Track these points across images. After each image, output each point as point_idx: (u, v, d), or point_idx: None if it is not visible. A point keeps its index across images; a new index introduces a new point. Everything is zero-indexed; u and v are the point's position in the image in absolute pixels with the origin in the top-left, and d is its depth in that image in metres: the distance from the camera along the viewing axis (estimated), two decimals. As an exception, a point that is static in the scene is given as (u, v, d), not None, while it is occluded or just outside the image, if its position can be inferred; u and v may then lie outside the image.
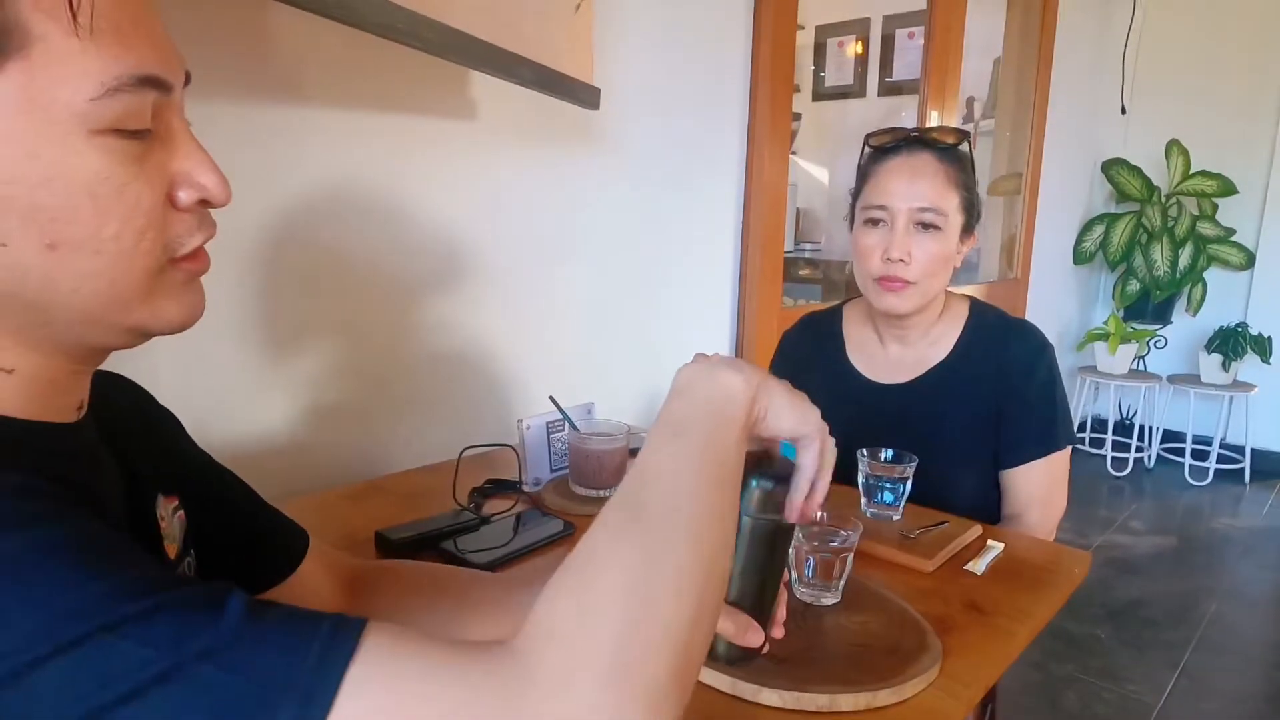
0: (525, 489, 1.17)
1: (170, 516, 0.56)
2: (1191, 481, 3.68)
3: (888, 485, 1.09)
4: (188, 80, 0.48)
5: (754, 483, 0.56)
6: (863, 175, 1.22)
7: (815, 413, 0.57)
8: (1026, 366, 1.19)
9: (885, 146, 1.19)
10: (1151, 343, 3.87)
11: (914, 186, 1.15)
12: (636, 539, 0.41)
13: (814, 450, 0.57)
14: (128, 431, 0.56)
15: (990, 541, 1.06)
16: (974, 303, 1.27)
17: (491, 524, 1.04)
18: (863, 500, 1.12)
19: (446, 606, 0.70)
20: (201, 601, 0.36)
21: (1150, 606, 2.56)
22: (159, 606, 0.35)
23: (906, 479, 1.09)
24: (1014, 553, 1.04)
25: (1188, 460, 3.68)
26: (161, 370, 1.07)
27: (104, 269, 0.43)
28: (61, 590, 0.34)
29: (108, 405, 0.55)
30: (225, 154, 0.50)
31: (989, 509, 1.24)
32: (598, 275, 1.69)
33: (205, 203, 0.48)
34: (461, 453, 1.07)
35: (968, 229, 1.19)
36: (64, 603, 0.34)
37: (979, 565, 0.99)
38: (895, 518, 1.10)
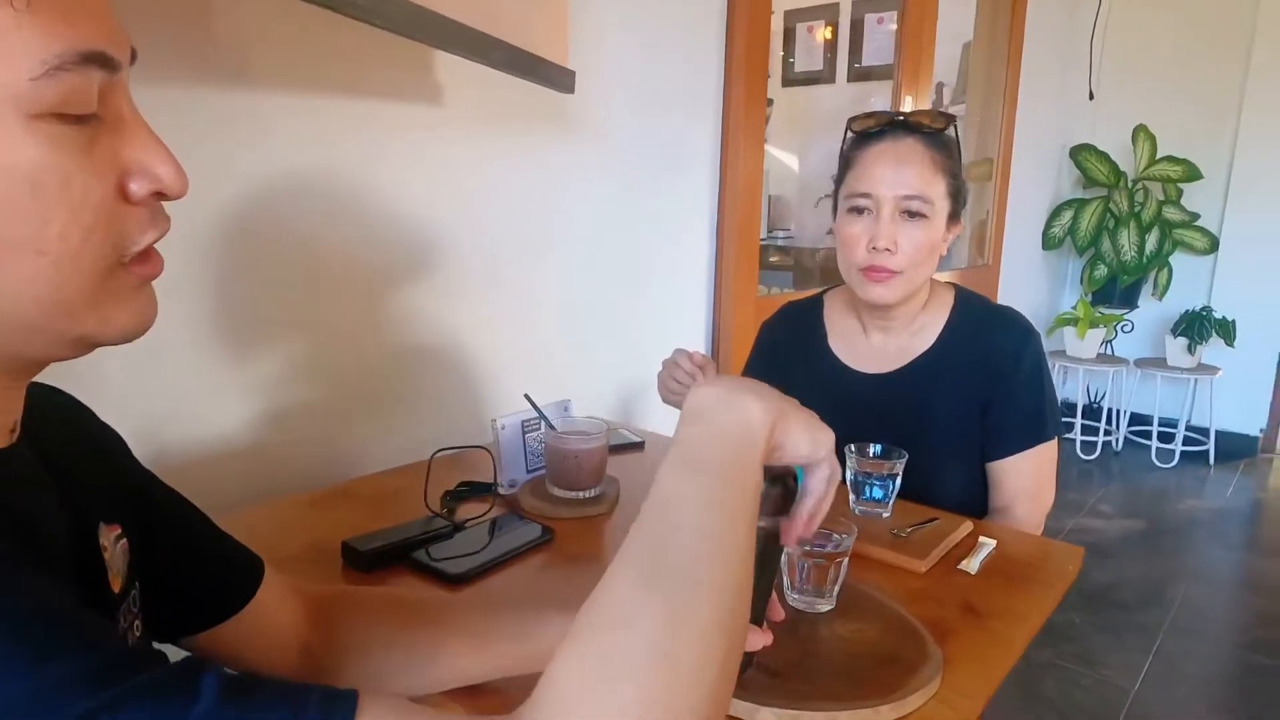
0: (501, 491, 1.12)
1: (113, 546, 0.50)
2: (1158, 464, 3.73)
3: (877, 482, 1.06)
4: (133, 59, 0.43)
5: None
6: (845, 162, 1.18)
7: (829, 436, 0.55)
8: (1013, 355, 1.17)
9: (869, 131, 1.16)
10: (1119, 327, 3.91)
11: (899, 173, 1.11)
12: (659, 596, 0.39)
13: (823, 475, 0.55)
14: (67, 453, 0.51)
15: (982, 539, 1.03)
16: (959, 290, 1.24)
17: (465, 530, 0.99)
18: (851, 497, 1.09)
19: (423, 639, 0.65)
20: (172, 684, 0.32)
21: (1122, 590, 2.58)
22: (125, 696, 0.31)
23: (896, 475, 1.06)
24: (1006, 549, 1.02)
25: (1154, 443, 3.73)
26: (110, 372, 1.01)
27: (47, 272, 0.38)
28: (10, 680, 0.30)
29: (45, 423, 0.49)
30: (175, 141, 0.45)
31: (976, 503, 1.21)
32: (573, 267, 1.64)
33: (160, 195, 0.42)
34: (433, 455, 1.02)
35: (954, 216, 1.16)
36: (16, 693, 0.29)
37: (972, 564, 0.96)
38: (884, 515, 1.07)
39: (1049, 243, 3.93)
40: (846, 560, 0.82)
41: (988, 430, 1.17)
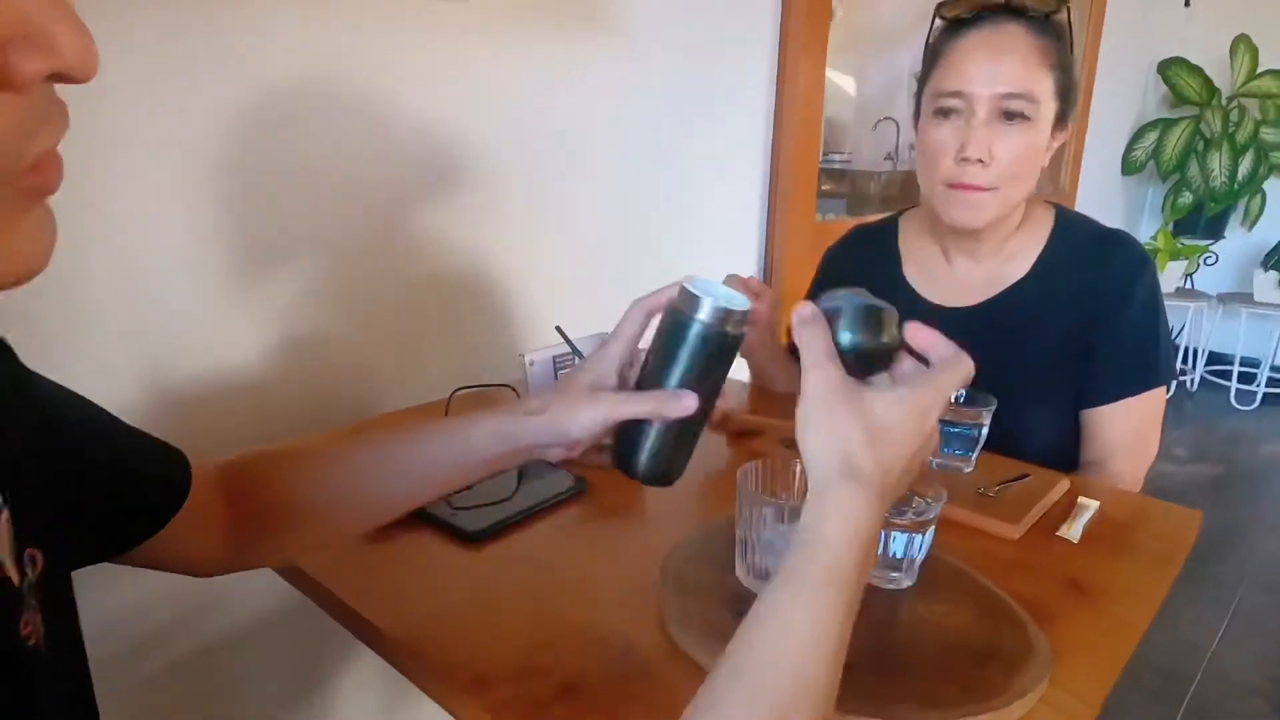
0: (530, 434, 1.01)
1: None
2: (1237, 406, 3.50)
3: (960, 432, 0.92)
4: None
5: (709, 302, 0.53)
6: (932, 55, 1.01)
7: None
8: (1123, 285, 1.00)
9: (962, 18, 0.97)
10: (1202, 259, 3.63)
11: (998, 67, 0.93)
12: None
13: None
14: None
15: (1082, 499, 0.89)
16: (1059, 210, 1.07)
17: (494, 479, 0.88)
18: (927, 448, 0.95)
19: (345, 478, 0.62)
20: None
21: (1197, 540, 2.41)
22: None
23: (983, 425, 0.92)
24: (1110, 512, 0.87)
25: (1234, 384, 3.50)
26: (104, 304, 0.91)
27: None
28: None
29: None
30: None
31: (1065, 456, 1.06)
32: (612, 189, 1.49)
33: (58, 76, 0.29)
34: (453, 394, 0.91)
35: (1061, 120, 0.98)
36: None
37: (1073, 530, 0.82)
38: (967, 470, 0.93)
39: (1130, 167, 3.63)
40: (933, 530, 0.68)
41: (1088, 372, 1.02)
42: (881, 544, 0.68)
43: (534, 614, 0.67)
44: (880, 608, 0.66)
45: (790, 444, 0.99)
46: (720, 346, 0.54)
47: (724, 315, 0.53)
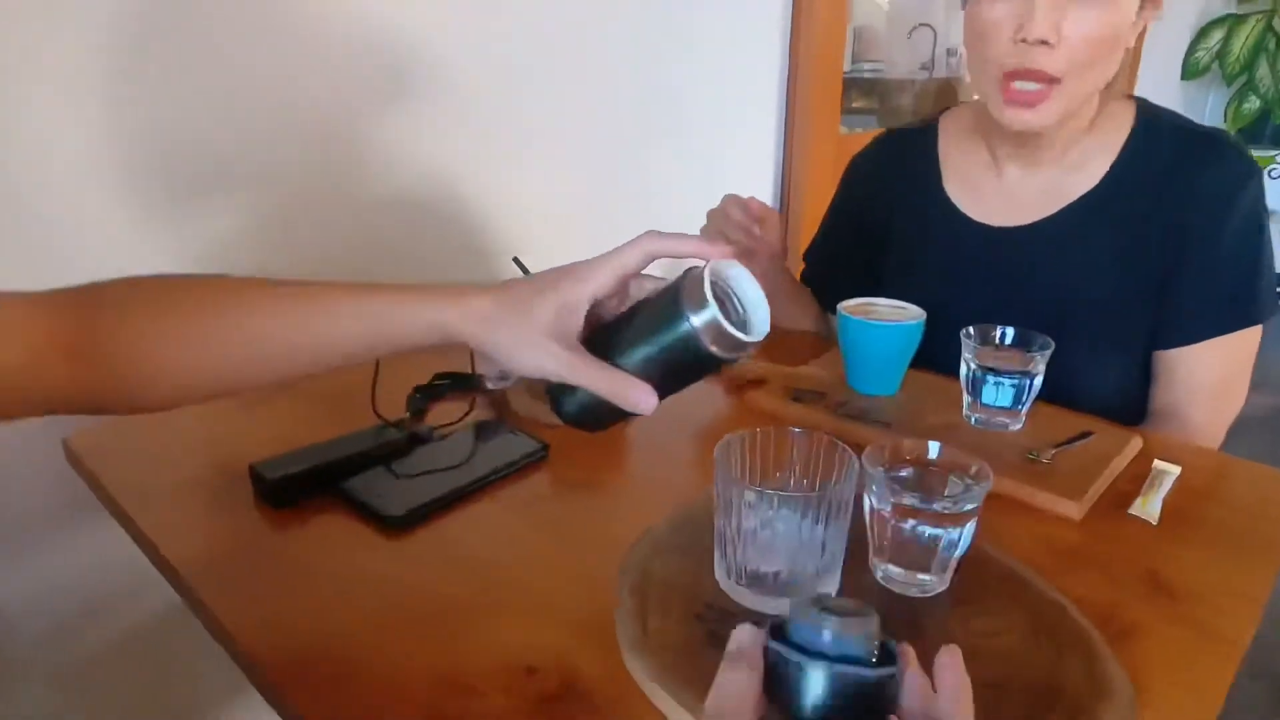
0: (489, 386, 0.86)
1: None
2: (1299, 332, 3.25)
3: (1006, 381, 0.75)
4: None
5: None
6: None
7: None
8: (1222, 200, 0.80)
9: None
10: (1268, 171, 3.33)
11: (1069, -82, 0.73)
12: None
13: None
14: None
15: (1158, 464, 0.72)
16: (1143, 105, 0.86)
17: (430, 445, 0.73)
18: (965, 400, 0.78)
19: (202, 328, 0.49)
20: None
21: None
22: None
23: (1035, 374, 0.74)
24: (1193, 481, 0.70)
25: (1297, 308, 3.24)
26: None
27: None
28: None
29: None
30: None
31: (1129, 406, 0.89)
32: (601, 97, 1.29)
33: None
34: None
35: (1151, -9, 0.77)
36: None
37: (1150, 506, 0.66)
38: (1014, 426, 0.76)
39: (1191, 70, 3.30)
40: (974, 523, 0.52)
41: (1170, 305, 0.83)
42: (889, 533, 0.52)
43: (451, 634, 0.52)
44: (902, 624, 0.51)
45: (801, 397, 0.82)
46: (707, 365, 0.46)
47: (725, 339, 0.44)
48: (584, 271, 0.48)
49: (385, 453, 0.70)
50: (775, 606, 0.51)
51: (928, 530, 0.51)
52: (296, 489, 0.65)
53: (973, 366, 0.76)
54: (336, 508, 0.65)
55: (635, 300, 0.50)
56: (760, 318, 0.47)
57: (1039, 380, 0.74)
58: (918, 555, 0.52)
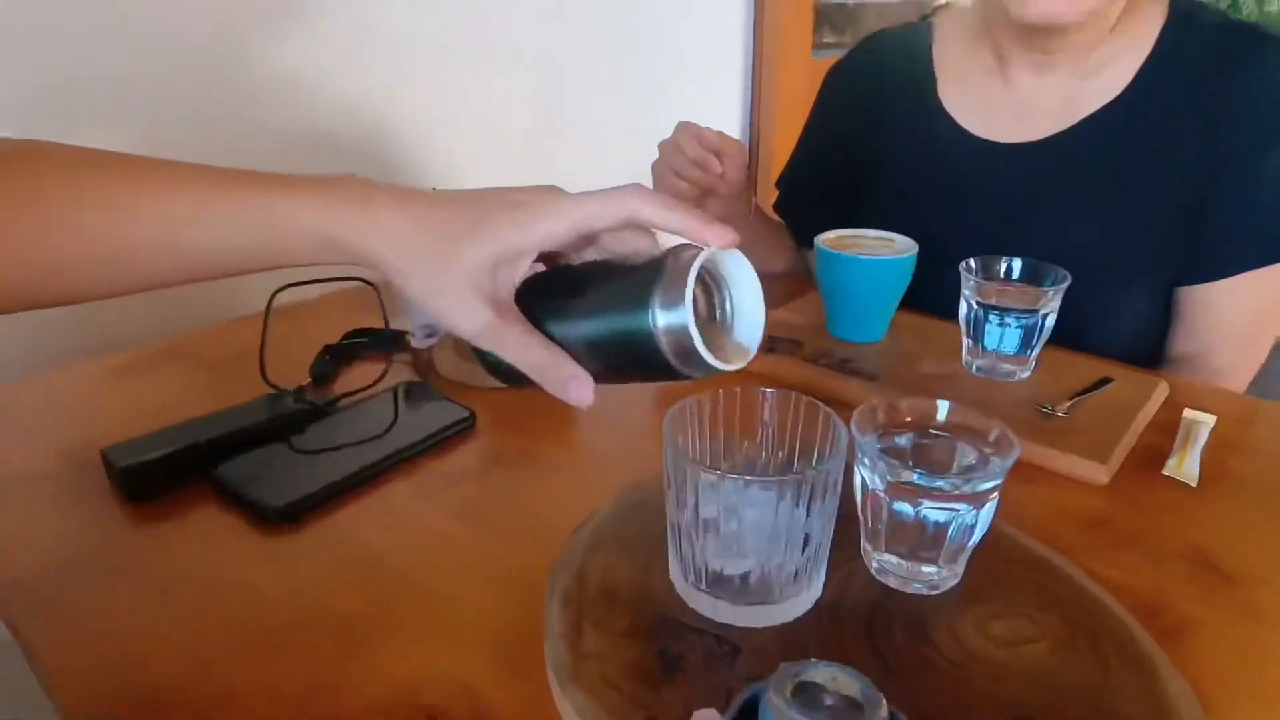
0: (414, 344, 0.73)
1: None
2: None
3: (1012, 322, 0.64)
4: None
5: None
6: None
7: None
8: (1272, 106, 0.69)
9: None
10: None
11: None
12: None
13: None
14: None
15: (1189, 413, 0.62)
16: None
17: (334, 417, 0.61)
18: (965, 344, 0.67)
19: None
20: None
21: None
22: None
23: (1047, 312, 0.63)
24: (1228, 431, 0.60)
25: None
26: None
27: None
28: None
29: None
30: None
31: (1145, 349, 0.78)
32: (533, 5, 1.15)
33: None
34: (273, 296, 0.62)
35: None
36: None
37: (1186, 465, 0.56)
38: (1021, 375, 0.65)
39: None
40: (994, 504, 0.41)
41: (1203, 234, 0.72)
42: (900, 514, 0.41)
43: (329, 663, 0.41)
44: (903, 630, 0.40)
45: (774, 346, 0.69)
46: (662, 374, 0.36)
47: (690, 357, 0.34)
48: (536, 216, 0.36)
49: (273, 429, 0.58)
50: (744, 617, 0.40)
51: (935, 513, 0.40)
52: (158, 478, 0.53)
53: (974, 305, 0.65)
54: (209, 500, 0.53)
55: (608, 255, 0.40)
56: (747, 336, 0.38)
57: (1051, 320, 0.64)
58: (922, 543, 0.41)
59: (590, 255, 0.41)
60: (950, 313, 0.68)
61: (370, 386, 0.65)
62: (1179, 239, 0.72)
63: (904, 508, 0.41)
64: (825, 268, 0.70)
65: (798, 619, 0.41)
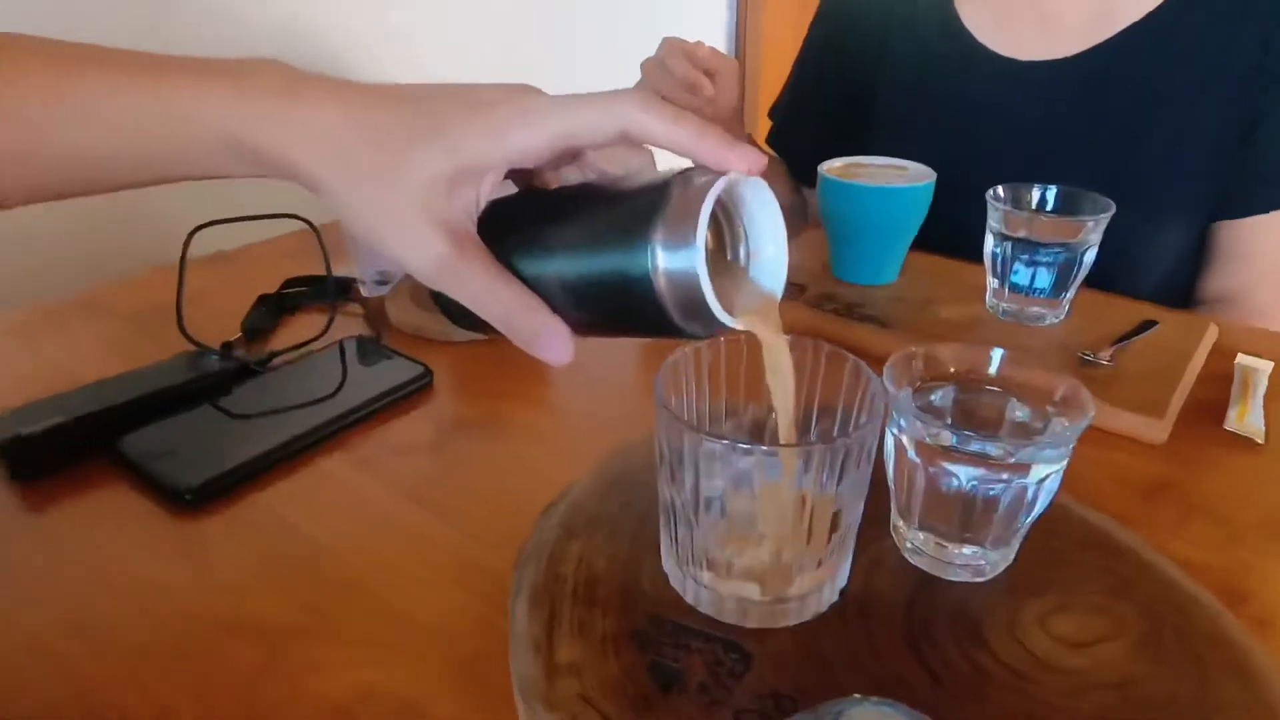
0: (364, 293, 0.65)
1: None
2: None
3: (1045, 258, 0.56)
4: None
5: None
6: None
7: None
8: None
9: None
10: None
11: None
12: None
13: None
14: None
15: (1243, 359, 0.55)
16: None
17: (264, 378, 0.53)
18: (990, 284, 0.59)
19: None
20: None
21: None
22: None
23: (1087, 246, 0.55)
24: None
25: None
26: None
27: None
28: None
29: None
30: None
31: (1178, 293, 0.71)
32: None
33: None
34: (190, 235, 0.53)
35: None
36: None
37: (1251, 419, 0.48)
38: (1054, 319, 0.58)
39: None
40: (1059, 476, 0.34)
41: (1244, 163, 0.64)
42: (940, 484, 0.34)
43: (246, 679, 0.33)
44: (948, 628, 0.33)
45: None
46: (657, 328, 0.28)
47: (696, 309, 0.27)
48: (507, 122, 0.28)
49: (191, 393, 0.49)
50: (755, 616, 0.33)
51: (985, 484, 0.33)
52: (47, 452, 0.44)
53: (1002, 240, 0.57)
54: (110, 479, 0.44)
55: (596, 175, 0.32)
56: (766, 286, 0.30)
57: (1090, 255, 0.56)
58: (966, 520, 0.34)
59: (573, 176, 0.33)
60: (966, 253, 0.60)
61: (311, 342, 0.56)
62: (1218, 169, 0.64)
63: (948, 478, 0.33)
64: (830, 199, 0.62)
65: (819, 616, 0.33)
